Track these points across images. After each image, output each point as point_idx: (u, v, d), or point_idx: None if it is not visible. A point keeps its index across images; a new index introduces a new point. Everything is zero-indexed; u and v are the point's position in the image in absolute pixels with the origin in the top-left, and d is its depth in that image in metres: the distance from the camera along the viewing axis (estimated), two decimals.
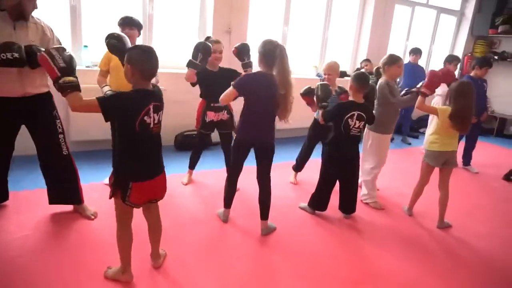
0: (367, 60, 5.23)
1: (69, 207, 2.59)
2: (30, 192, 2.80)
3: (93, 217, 2.54)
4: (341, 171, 2.85)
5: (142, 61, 1.71)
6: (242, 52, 2.77)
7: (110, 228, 2.37)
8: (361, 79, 2.75)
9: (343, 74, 5.46)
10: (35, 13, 2.24)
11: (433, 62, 6.83)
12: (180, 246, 2.30)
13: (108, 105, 1.65)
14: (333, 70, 3.19)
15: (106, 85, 2.89)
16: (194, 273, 2.07)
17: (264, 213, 2.55)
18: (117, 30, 2.87)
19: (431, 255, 2.52)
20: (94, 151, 3.81)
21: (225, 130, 3.15)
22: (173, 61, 4.14)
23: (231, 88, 2.32)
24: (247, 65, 2.82)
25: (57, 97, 2.41)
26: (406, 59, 5.93)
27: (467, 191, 3.77)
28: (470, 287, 2.21)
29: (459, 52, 6.81)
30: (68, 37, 3.69)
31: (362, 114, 2.71)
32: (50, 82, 2.33)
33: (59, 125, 2.42)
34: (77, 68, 3.43)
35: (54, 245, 2.21)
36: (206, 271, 2.11)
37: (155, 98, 1.76)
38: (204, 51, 2.68)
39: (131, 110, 1.68)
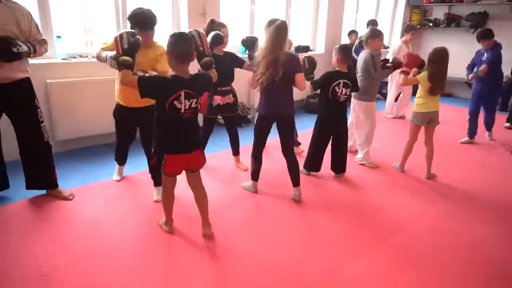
0: (354, 31, 5.85)
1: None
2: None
3: (71, 197, 2.68)
4: (332, 131, 3.17)
5: (174, 46, 1.89)
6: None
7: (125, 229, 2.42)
8: (345, 50, 3.04)
9: (302, 49, 5.63)
10: None
11: None
12: (223, 225, 2.40)
13: (144, 85, 1.89)
14: None
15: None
16: (245, 246, 2.20)
17: (296, 179, 2.77)
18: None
19: (432, 200, 2.92)
20: (82, 148, 3.62)
21: (230, 113, 3.21)
22: None
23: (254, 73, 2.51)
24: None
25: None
26: (360, 32, 6.35)
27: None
28: (468, 219, 2.65)
29: (398, 21, 7.45)
30: None
31: (348, 82, 3.01)
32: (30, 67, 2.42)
33: (40, 115, 2.51)
34: (52, 61, 3.25)
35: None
36: (257, 242, 2.26)
37: (188, 85, 1.92)
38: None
39: (162, 93, 1.90)
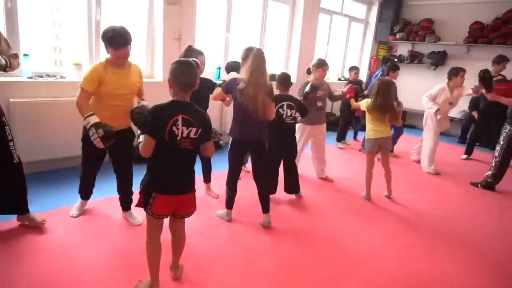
0: (355, 68, 5.64)
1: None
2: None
3: (44, 223, 2.51)
4: (281, 155, 3.25)
5: (178, 74, 1.82)
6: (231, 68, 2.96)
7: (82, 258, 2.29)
8: (284, 80, 3.14)
9: None
10: None
11: (348, 63, 7.71)
12: (195, 255, 2.33)
13: (147, 126, 1.80)
14: None
15: (92, 115, 2.29)
16: (218, 277, 2.14)
17: (266, 206, 2.79)
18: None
19: (399, 229, 3.00)
20: (45, 171, 3.44)
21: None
22: None
23: (219, 89, 2.64)
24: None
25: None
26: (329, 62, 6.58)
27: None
28: (433, 248, 2.73)
29: (366, 55, 7.84)
30: None
31: (291, 103, 3.12)
32: None
33: (8, 132, 2.31)
34: (16, 79, 3.10)
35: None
36: (230, 271, 2.20)
37: (186, 111, 1.81)
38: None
39: (160, 122, 1.77)
